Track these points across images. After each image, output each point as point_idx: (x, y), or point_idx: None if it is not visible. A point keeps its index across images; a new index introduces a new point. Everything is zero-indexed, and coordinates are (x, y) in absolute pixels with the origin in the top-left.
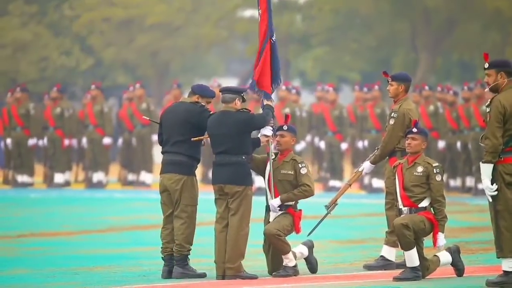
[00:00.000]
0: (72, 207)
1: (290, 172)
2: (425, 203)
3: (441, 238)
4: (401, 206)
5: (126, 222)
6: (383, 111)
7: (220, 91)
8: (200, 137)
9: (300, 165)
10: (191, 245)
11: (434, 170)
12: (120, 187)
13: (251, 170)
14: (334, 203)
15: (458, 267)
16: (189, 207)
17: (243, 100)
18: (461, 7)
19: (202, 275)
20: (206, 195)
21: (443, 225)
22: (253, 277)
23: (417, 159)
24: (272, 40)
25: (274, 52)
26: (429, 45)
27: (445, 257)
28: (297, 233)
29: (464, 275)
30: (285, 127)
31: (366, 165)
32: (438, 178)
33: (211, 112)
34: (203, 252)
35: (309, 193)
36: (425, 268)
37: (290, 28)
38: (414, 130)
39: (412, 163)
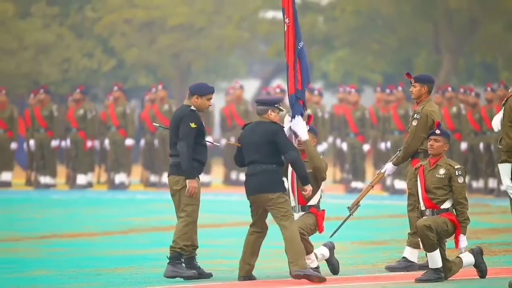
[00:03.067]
0: (94, 208)
1: (310, 170)
2: (447, 205)
3: (463, 240)
4: (423, 208)
5: (148, 224)
6: (406, 112)
7: (255, 102)
8: (233, 143)
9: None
10: (190, 244)
11: (456, 172)
12: (142, 188)
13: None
14: (356, 205)
15: (480, 269)
16: (189, 207)
17: (280, 110)
18: (483, 7)
19: (194, 276)
20: (228, 196)
21: (465, 227)
22: (321, 277)
23: (439, 161)
24: (299, 46)
25: (304, 57)
26: (451, 46)
27: (468, 258)
28: (320, 232)
29: (486, 276)
30: (307, 127)
31: (389, 167)
32: (460, 180)
33: (198, 115)
34: (225, 253)
35: (319, 170)
36: (447, 269)
37: (312, 30)
38: (437, 131)
39: (434, 165)
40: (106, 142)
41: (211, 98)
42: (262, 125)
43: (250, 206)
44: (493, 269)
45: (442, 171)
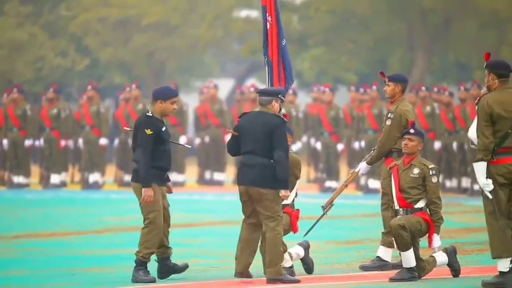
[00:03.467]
0: (68, 208)
1: None
2: (421, 204)
3: (437, 240)
4: (397, 207)
5: (122, 223)
6: (380, 112)
7: (257, 93)
8: (231, 131)
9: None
10: (152, 251)
11: (430, 171)
12: (116, 188)
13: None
14: (330, 204)
15: (454, 268)
16: (151, 214)
17: (282, 101)
18: (457, 7)
19: (153, 281)
20: (202, 195)
21: (438, 227)
22: (295, 281)
23: (413, 161)
24: (282, 44)
25: (286, 55)
26: (425, 45)
27: (441, 257)
28: (294, 232)
29: (460, 275)
30: None
31: (362, 166)
32: (434, 180)
33: (156, 121)
34: (199, 253)
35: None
36: (421, 268)
37: (287, 29)
38: (411, 131)
39: (408, 165)
40: (80, 141)
41: (175, 102)
42: (263, 116)
43: (240, 198)
44: (467, 268)
45: (416, 171)
